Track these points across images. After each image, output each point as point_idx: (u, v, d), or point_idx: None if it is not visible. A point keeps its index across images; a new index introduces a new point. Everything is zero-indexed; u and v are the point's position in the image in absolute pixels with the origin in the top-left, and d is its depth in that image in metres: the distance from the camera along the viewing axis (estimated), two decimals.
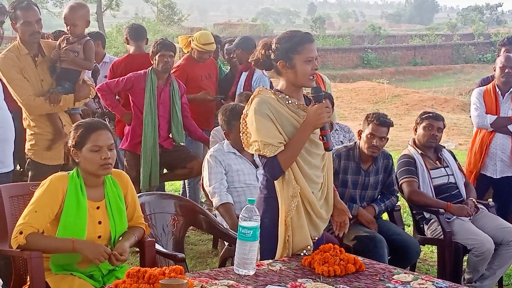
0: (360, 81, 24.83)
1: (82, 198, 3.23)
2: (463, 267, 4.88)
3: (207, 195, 4.67)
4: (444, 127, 5.10)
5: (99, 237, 3.27)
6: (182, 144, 5.89)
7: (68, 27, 4.76)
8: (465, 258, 4.86)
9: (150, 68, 5.62)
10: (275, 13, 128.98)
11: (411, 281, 2.85)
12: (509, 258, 4.76)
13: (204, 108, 6.35)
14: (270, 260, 3.09)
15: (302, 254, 3.15)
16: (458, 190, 5.01)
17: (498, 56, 6.01)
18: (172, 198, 4.46)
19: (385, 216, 5.09)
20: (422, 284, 2.82)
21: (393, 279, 2.89)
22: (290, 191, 3.13)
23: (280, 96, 3.17)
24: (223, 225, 4.28)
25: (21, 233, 3.11)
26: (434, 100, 19.20)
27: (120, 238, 3.34)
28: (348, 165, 4.71)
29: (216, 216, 4.43)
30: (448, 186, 4.99)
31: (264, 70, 3.35)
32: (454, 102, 19.08)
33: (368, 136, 4.67)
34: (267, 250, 3.18)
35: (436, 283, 2.85)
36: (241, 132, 3.20)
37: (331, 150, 3.25)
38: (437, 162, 5.07)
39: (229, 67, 6.87)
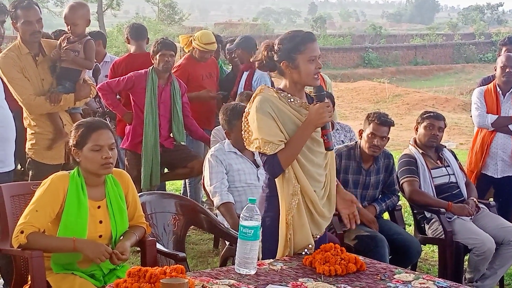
0: (361, 81, 24.82)
1: (83, 198, 3.23)
2: (464, 266, 4.87)
3: (208, 195, 4.67)
4: (445, 127, 5.10)
5: (100, 236, 3.27)
6: (183, 143, 5.89)
7: (69, 27, 4.76)
8: (466, 257, 4.86)
9: (151, 67, 5.62)
10: (276, 12, 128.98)
11: (412, 281, 2.85)
12: (510, 258, 4.76)
13: (205, 108, 6.35)
14: (271, 260, 3.09)
15: (303, 253, 3.15)
16: (459, 189, 5.01)
17: (499, 55, 6.01)
18: (173, 197, 4.46)
19: (386, 215, 5.09)
20: (423, 283, 2.82)
21: (394, 278, 2.88)
22: (290, 189, 3.13)
23: (282, 95, 3.17)
24: (224, 224, 4.28)
25: (22, 232, 3.11)
26: (435, 99, 19.19)
27: (121, 237, 3.34)
28: (349, 165, 4.71)
29: (217, 216, 4.43)
30: (449, 185, 4.99)
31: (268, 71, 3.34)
32: (455, 102, 19.07)
33: (369, 135, 4.67)
34: (269, 249, 3.18)
35: (437, 282, 2.85)
36: (243, 130, 3.21)
37: (331, 149, 3.25)
38: (438, 161, 5.07)
39: (231, 67, 6.88)
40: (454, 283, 2.93)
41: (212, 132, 5.64)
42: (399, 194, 4.99)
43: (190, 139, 6.10)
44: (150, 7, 48.95)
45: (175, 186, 7.86)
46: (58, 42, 4.78)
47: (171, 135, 5.78)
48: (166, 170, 6.00)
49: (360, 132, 4.79)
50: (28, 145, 4.77)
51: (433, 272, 5.22)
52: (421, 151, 5.02)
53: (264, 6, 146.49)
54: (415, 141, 5.10)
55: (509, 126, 5.52)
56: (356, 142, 4.84)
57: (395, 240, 4.57)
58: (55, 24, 28.84)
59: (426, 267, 5.54)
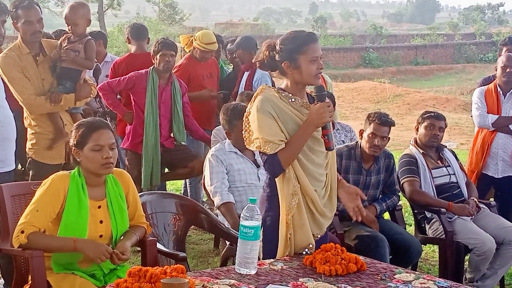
0: (361, 81, 24.82)
1: (83, 197, 3.23)
2: (465, 266, 4.87)
3: (208, 195, 4.67)
4: (445, 127, 5.10)
5: (101, 236, 3.27)
6: (183, 143, 5.89)
7: (69, 27, 4.76)
8: (467, 257, 4.86)
9: (151, 67, 5.62)
10: (277, 12, 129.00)
11: (412, 281, 2.85)
12: (511, 258, 4.76)
13: (205, 107, 6.36)
14: (272, 260, 3.09)
15: (304, 252, 3.14)
16: (459, 189, 5.01)
17: (500, 55, 6.01)
18: (174, 197, 4.46)
19: (386, 215, 5.09)
20: (424, 283, 2.82)
21: (394, 278, 2.88)
22: (290, 189, 3.13)
23: (283, 94, 3.17)
24: (224, 224, 4.28)
25: (22, 232, 3.11)
26: (435, 99, 19.19)
27: (122, 237, 3.34)
28: (350, 165, 4.71)
29: (217, 216, 4.43)
30: (450, 185, 4.99)
31: (270, 71, 3.34)
32: (455, 102, 19.07)
33: (370, 135, 4.67)
34: (270, 249, 3.18)
35: (438, 282, 2.85)
36: (243, 130, 3.21)
37: (332, 149, 3.25)
38: (439, 161, 5.07)
39: (232, 67, 6.88)
40: (455, 283, 2.93)
41: (212, 132, 5.64)
42: (400, 194, 4.99)
43: (190, 139, 6.10)
44: (151, 7, 48.97)
45: (175, 186, 7.86)
46: (59, 42, 4.78)
47: (172, 135, 5.78)
48: (166, 170, 6.00)
49: (361, 132, 4.79)
50: (28, 145, 4.77)
51: (434, 272, 5.22)
52: (421, 151, 5.02)
53: (265, 6, 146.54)
54: (415, 141, 5.10)
55: (510, 126, 5.52)
56: (357, 142, 4.84)
57: (396, 240, 4.57)
58: (55, 24, 28.90)
59: (426, 267, 5.54)
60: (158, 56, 5.56)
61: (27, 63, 4.62)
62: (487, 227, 4.79)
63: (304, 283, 2.78)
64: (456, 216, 4.84)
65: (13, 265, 3.43)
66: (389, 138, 4.77)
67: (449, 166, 5.06)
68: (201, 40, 6.28)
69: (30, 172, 4.77)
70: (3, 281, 4.24)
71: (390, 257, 4.46)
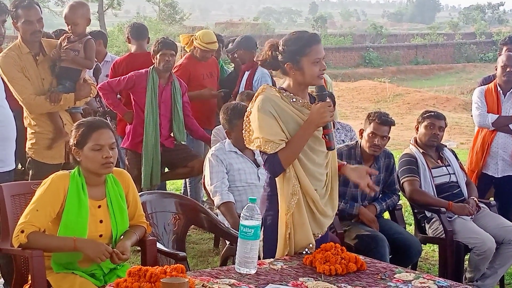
0: (361, 80, 24.83)
1: (83, 197, 3.23)
2: (465, 266, 4.87)
3: (208, 194, 4.67)
4: (445, 126, 5.09)
5: (101, 236, 3.27)
6: (183, 143, 5.89)
7: (69, 26, 4.76)
8: (467, 257, 4.86)
9: (151, 67, 5.62)
10: (277, 12, 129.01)
11: (412, 280, 2.85)
12: (511, 257, 4.75)
13: (205, 107, 6.36)
14: (272, 259, 3.10)
15: (304, 252, 3.15)
16: (459, 189, 5.01)
17: (500, 55, 6.00)
18: (174, 197, 4.46)
19: (386, 215, 5.09)
20: (424, 283, 2.82)
21: (394, 278, 2.88)
22: (290, 188, 3.14)
23: (284, 94, 3.17)
24: (224, 224, 4.28)
25: (22, 232, 3.11)
26: (435, 99, 19.20)
27: (122, 237, 3.34)
28: (350, 164, 4.70)
29: (217, 215, 4.43)
30: (450, 185, 4.99)
31: (272, 70, 3.34)
32: (455, 101, 19.07)
33: (370, 135, 4.67)
34: (270, 248, 3.19)
35: (438, 282, 2.85)
36: (244, 129, 3.21)
37: (333, 149, 3.25)
38: (439, 161, 5.07)
39: (233, 67, 6.89)
40: (455, 282, 2.93)
41: (212, 132, 5.64)
42: (400, 193, 4.99)
43: (190, 139, 6.10)
44: (151, 7, 48.97)
45: (175, 186, 7.86)
46: (59, 41, 4.78)
47: (172, 134, 5.78)
48: (166, 170, 6.00)
49: (361, 132, 4.79)
50: (28, 144, 4.77)
51: (434, 272, 5.22)
52: (421, 150, 5.02)
53: (265, 6, 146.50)
54: (415, 141, 5.10)
55: (510, 125, 5.52)
56: (357, 141, 4.84)
57: (396, 239, 4.57)
58: (56, 24, 28.90)
59: (426, 267, 5.54)
60: (158, 55, 5.56)
61: (27, 62, 4.62)
62: (487, 227, 4.79)
63: (304, 283, 2.78)
64: (456, 216, 4.84)
65: (13, 265, 3.43)
66: (389, 137, 4.76)
67: (449, 165, 5.06)
68: (201, 40, 6.28)
69: (30, 171, 4.77)
70: (3, 281, 4.24)
71: (390, 256, 4.46)
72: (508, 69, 5.50)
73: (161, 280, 2.44)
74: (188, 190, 6.56)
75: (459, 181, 5.03)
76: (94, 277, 3.26)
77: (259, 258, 3.06)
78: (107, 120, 5.06)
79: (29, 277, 3.27)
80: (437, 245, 5.15)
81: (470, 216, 4.87)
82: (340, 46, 35.72)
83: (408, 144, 5.36)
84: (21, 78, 4.59)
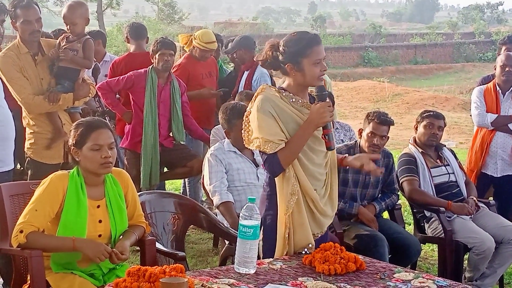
0: (360, 80, 24.83)
1: (82, 197, 3.23)
2: (464, 265, 4.87)
3: (207, 194, 4.67)
4: (444, 126, 5.09)
5: (100, 235, 3.27)
6: (182, 142, 5.89)
7: (68, 26, 4.76)
8: (466, 256, 4.86)
9: (150, 66, 5.62)
10: (276, 12, 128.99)
11: (411, 280, 2.85)
12: (510, 257, 4.76)
13: (204, 107, 6.36)
14: (271, 259, 3.09)
15: (303, 252, 3.14)
16: (458, 188, 5.01)
17: (499, 54, 6.01)
18: (173, 196, 4.46)
19: (385, 214, 5.09)
20: (423, 282, 2.82)
21: (393, 277, 2.88)
22: (289, 188, 3.13)
23: (284, 94, 3.17)
24: (223, 223, 4.28)
25: (21, 231, 3.11)
26: (434, 98, 19.20)
27: (121, 237, 3.34)
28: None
29: (216, 215, 4.43)
30: (449, 184, 4.99)
31: (272, 70, 3.34)
32: (454, 101, 19.08)
33: (369, 134, 4.66)
34: (270, 248, 3.19)
35: (437, 281, 2.85)
36: (243, 129, 3.21)
37: (332, 149, 3.25)
38: (438, 160, 5.07)
39: (233, 66, 6.90)
40: (454, 282, 2.93)
41: (211, 131, 5.64)
42: (399, 193, 4.99)
43: (189, 139, 6.10)
44: (150, 7, 48.98)
45: (174, 186, 7.86)
46: (57, 41, 4.78)
47: (171, 134, 5.78)
48: (165, 170, 6.00)
49: (360, 131, 4.79)
50: (27, 144, 4.77)
51: (433, 271, 5.22)
52: (420, 150, 5.02)
53: (264, 5, 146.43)
54: (414, 140, 5.10)
55: (509, 125, 5.52)
56: (356, 141, 4.84)
57: (395, 239, 4.57)
58: (54, 24, 28.86)
59: (425, 266, 5.54)
60: (157, 55, 5.56)
61: (25, 62, 4.62)
62: (486, 226, 4.79)
63: (303, 283, 2.78)
64: (455, 215, 4.84)
65: (12, 265, 3.42)
66: (388, 137, 4.76)
67: (448, 165, 5.06)
68: (201, 39, 6.28)
69: (29, 171, 4.77)
70: (2, 281, 4.23)
71: (389, 256, 4.46)
72: (507, 69, 5.50)
73: (160, 280, 2.44)
74: (187, 190, 6.55)
75: (458, 181, 5.03)
76: (93, 277, 3.25)
77: (258, 258, 3.06)
78: (106, 120, 5.06)
79: (28, 277, 3.27)
80: (437, 245, 5.15)
81: (470, 216, 4.87)
82: (339, 46, 35.70)
83: (407, 143, 5.36)
84: (20, 78, 4.59)
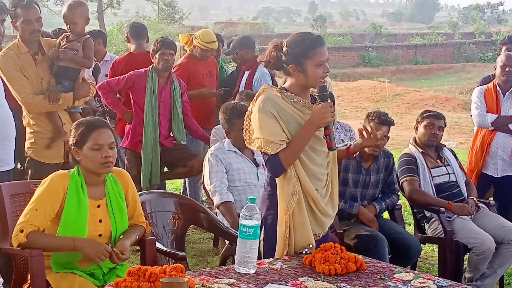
0: (361, 80, 24.83)
1: (82, 197, 3.23)
2: (464, 266, 4.87)
3: (207, 194, 4.67)
4: (445, 126, 5.09)
5: (100, 235, 3.27)
6: (182, 142, 5.89)
7: (68, 26, 4.76)
8: (466, 257, 4.85)
9: (150, 66, 5.62)
10: (276, 11, 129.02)
11: (412, 280, 2.85)
12: (510, 257, 4.75)
13: (205, 107, 6.36)
14: (271, 259, 3.09)
15: (304, 252, 3.14)
16: (459, 188, 5.01)
17: (499, 54, 6.01)
18: (173, 196, 4.46)
19: (386, 214, 5.09)
20: (423, 283, 2.82)
21: (393, 277, 2.88)
22: (290, 188, 3.13)
23: (285, 94, 3.17)
24: (223, 223, 4.28)
25: (21, 231, 3.11)
26: (435, 99, 19.21)
27: (121, 236, 3.34)
28: (349, 164, 4.70)
29: (216, 215, 4.43)
30: (449, 184, 4.99)
31: (275, 70, 3.34)
32: (455, 101, 19.09)
33: None
34: (270, 247, 3.19)
35: (437, 281, 2.85)
36: (244, 129, 3.21)
37: (334, 149, 3.25)
38: (438, 160, 5.06)
39: (236, 66, 6.91)
40: (454, 282, 2.93)
41: (212, 131, 5.64)
42: (399, 193, 4.98)
43: (190, 138, 6.10)
44: (150, 6, 48.97)
45: (174, 185, 7.86)
46: (58, 40, 4.78)
47: (171, 134, 5.77)
48: (166, 169, 6.00)
49: (360, 131, 4.78)
50: (27, 144, 4.77)
51: (433, 271, 5.22)
52: (421, 150, 5.02)
53: (264, 5, 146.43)
54: (415, 140, 5.10)
55: (509, 125, 5.52)
56: (356, 141, 4.83)
57: (395, 239, 4.57)
58: (55, 23, 28.88)
59: (425, 266, 5.54)
60: (157, 55, 5.55)
61: (25, 62, 4.62)
62: (486, 227, 4.78)
63: (303, 283, 2.78)
64: (455, 216, 4.84)
65: (12, 264, 3.42)
66: (389, 137, 4.76)
67: (449, 165, 5.05)
68: (201, 39, 6.28)
69: (29, 171, 4.77)
70: (2, 280, 4.23)
71: (390, 256, 4.46)
72: (507, 69, 5.50)
73: (161, 279, 2.44)
74: (188, 190, 6.55)
75: (458, 181, 5.03)
76: (93, 277, 3.25)
77: (259, 258, 3.06)
78: (106, 119, 5.06)
79: (29, 277, 3.27)
80: (437, 245, 5.15)
81: (470, 216, 4.87)
82: (339, 46, 35.71)
83: (407, 143, 5.36)
84: (20, 78, 4.59)
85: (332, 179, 3.29)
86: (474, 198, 4.96)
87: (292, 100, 3.17)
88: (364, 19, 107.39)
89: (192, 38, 6.41)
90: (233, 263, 3.01)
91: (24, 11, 4.57)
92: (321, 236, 3.26)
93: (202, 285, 2.65)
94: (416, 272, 3.05)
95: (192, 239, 6.03)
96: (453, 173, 5.03)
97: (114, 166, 3.32)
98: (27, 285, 3.28)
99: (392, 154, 4.92)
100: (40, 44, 4.69)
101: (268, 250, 3.21)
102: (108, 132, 3.27)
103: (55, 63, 4.69)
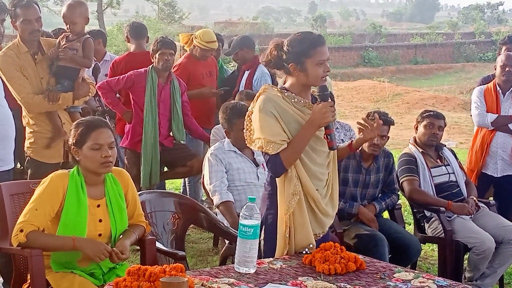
0: (361, 80, 24.84)
1: (82, 196, 3.23)
2: (464, 265, 4.87)
3: (207, 193, 4.67)
4: (445, 126, 5.09)
5: (100, 235, 3.27)
6: (182, 142, 5.89)
7: (68, 25, 4.75)
8: (466, 256, 4.86)
9: (150, 66, 5.62)
10: (276, 11, 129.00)
11: (412, 280, 2.85)
12: (510, 257, 4.76)
13: (205, 106, 6.36)
14: (271, 258, 3.09)
15: (304, 252, 3.14)
16: (459, 188, 5.01)
17: (499, 54, 6.01)
18: (173, 196, 4.46)
19: (386, 214, 5.09)
20: (423, 282, 2.82)
21: (393, 277, 2.88)
22: (291, 188, 3.13)
23: (286, 94, 3.17)
24: (223, 223, 4.28)
25: (21, 231, 3.10)
26: (435, 98, 19.21)
27: (121, 236, 3.34)
28: (349, 163, 4.70)
29: (216, 214, 4.43)
30: (449, 184, 4.99)
31: (275, 70, 3.34)
32: (455, 101, 19.09)
33: None
34: (271, 247, 3.19)
35: (437, 281, 2.85)
36: (245, 129, 3.21)
37: (335, 149, 3.25)
38: (438, 160, 5.07)
39: (237, 66, 6.92)
40: (454, 282, 2.93)
41: (211, 131, 5.64)
42: (399, 193, 4.99)
43: (189, 138, 6.10)
44: (150, 6, 48.95)
45: (174, 185, 7.86)
46: (57, 40, 4.78)
47: (171, 133, 5.77)
48: (165, 169, 6.00)
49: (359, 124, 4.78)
50: (26, 143, 4.77)
51: (433, 271, 5.22)
52: (421, 150, 5.02)
53: (264, 5, 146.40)
54: (415, 140, 5.10)
55: (509, 125, 5.52)
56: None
57: (395, 239, 4.57)
58: (54, 23, 28.89)
59: (425, 266, 5.54)
60: (157, 55, 5.55)
61: (25, 61, 4.62)
62: (486, 226, 4.79)
63: (303, 282, 2.78)
64: (455, 215, 4.84)
65: (12, 264, 3.42)
66: (389, 137, 4.76)
67: (449, 165, 5.06)
68: (202, 39, 6.28)
69: (29, 171, 4.77)
70: (2, 280, 4.23)
71: (390, 256, 4.46)
72: (507, 69, 5.50)
73: (160, 279, 2.44)
74: (187, 190, 6.55)
75: (458, 181, 5.03)
76: (93, 276, 3.25)
77: (259, 257, 3.06)
78: (106, 119, 5.06)
79: (28, 276, 3.26)
80: (437, 245, 5.15)
81: (470, 216, 4.87)
82: (339, 46, 35.72)
83: (407, 143, 5.36)
84: (20, 77, 4.59)
85: (333, 179, 3.29)
86: (474, 198, 4.96)
87: (293, 100, 3.17)
88: (364, 19, 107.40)
89: (192, 38, 6.41)
90: (233, 262, 3.01)
91: (24, 11, 4.57)
92: (321, 235, 3.26)
93: (202, 285, 2.65)
94: (416, 271, 3.05)
95: (192, 239, 6.03)
96: (453, 172, 5.03)
97: (114, 166, 3.32)
98: (27, 285, 3.28)
99: (392, 154, 4.92)
100: (39, 44, 4.69)
101: (268, 250, 3.21)
102: (108, 132, 3.26)
103: (55, 62, 4.68)
